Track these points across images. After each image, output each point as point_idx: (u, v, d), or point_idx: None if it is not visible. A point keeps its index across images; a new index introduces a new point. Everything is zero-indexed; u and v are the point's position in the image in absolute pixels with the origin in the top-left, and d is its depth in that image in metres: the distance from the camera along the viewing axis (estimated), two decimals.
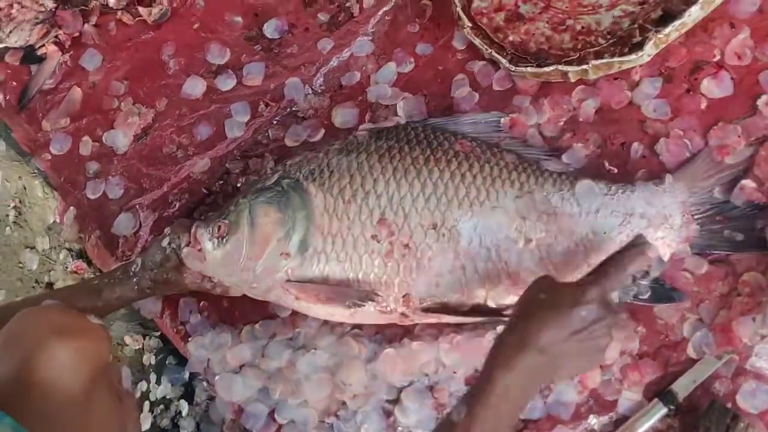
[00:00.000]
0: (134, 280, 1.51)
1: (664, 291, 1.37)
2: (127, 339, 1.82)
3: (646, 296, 1.36)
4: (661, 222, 1.38)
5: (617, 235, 1.38)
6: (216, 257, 1.44)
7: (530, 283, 1.26)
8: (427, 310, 1.41)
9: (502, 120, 1.54)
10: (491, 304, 1.41)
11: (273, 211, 1.43)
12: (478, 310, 1.41)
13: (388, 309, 1.41)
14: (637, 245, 1.25)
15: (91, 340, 1.27)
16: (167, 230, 1.52)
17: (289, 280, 1.43)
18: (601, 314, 1.17)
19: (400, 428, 1.43)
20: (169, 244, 1.50)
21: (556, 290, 1.21)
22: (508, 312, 1.39)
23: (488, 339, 1.41)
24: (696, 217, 1.39)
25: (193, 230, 1.46)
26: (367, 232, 1.40)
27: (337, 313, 1.43)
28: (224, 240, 1.43)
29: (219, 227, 1.43)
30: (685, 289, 1.38)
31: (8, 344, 1.20)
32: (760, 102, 1.45)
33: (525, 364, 1.13)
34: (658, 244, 1.37)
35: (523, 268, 1.38)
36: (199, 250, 1.44)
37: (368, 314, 1.42)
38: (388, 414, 1.44)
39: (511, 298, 1.40)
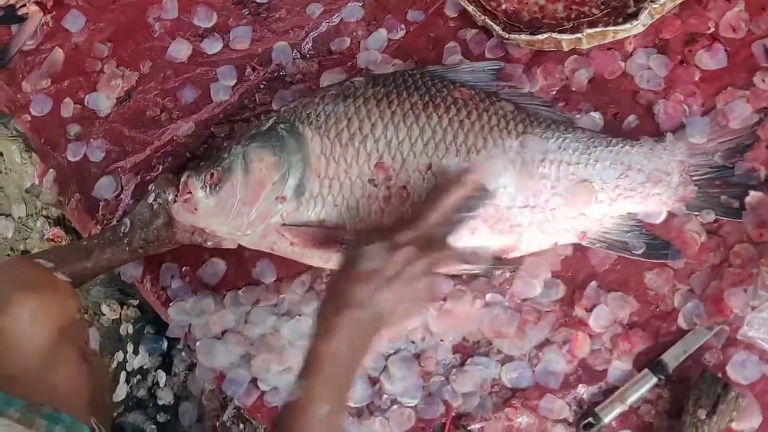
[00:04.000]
0: (125, 241, 1.47)
1: (658, 247, 1.37)
2: (105, 308, 1.79)
3: (639, 252, 1.36)
4: (658, 179, 1.37)
5: (614, 188, 1.37)
6: (208, 205, 1.41)
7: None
8: None
9: None
10: (476, 247, 1.39)
11: (268, 155, 1.40)
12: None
13: None
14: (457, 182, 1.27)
15: (56, 296, 1.26)
16: (152, 186, 1.49)
17: (284, 224, 1.40)
18: (416, 254, 1.17)
19: (385, 396, 1.41)
20: (156, 199, 1.46)
21: (369, 241, 1.19)
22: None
23: (477, 306, 1.41)
24: (694, 178, 1.38)
25: (183, 179, 1.43)
26: (364, 176, 1.38)
27: (334, 259, 1.40)
28: (217, 187, 1.40)
29: (212, 174, 1.40)
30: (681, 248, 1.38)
31: None
32: (756, 78, 1.44)
33: (345, 324, 1.14)
34: (655, 201, 1.37)
35: (518, 216, 1.37)
36: (186, 200, 1.41)
37: None
38: (374, 381, 1.42)
39: (503, 244, 1.39)
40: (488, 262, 1.38)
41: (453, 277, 1.43)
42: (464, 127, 1.39)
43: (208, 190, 1.40)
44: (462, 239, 1.36)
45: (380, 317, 1.16)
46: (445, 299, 1.42)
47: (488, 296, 1.41)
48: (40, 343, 1.20)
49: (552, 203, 1.38)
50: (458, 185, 1.27)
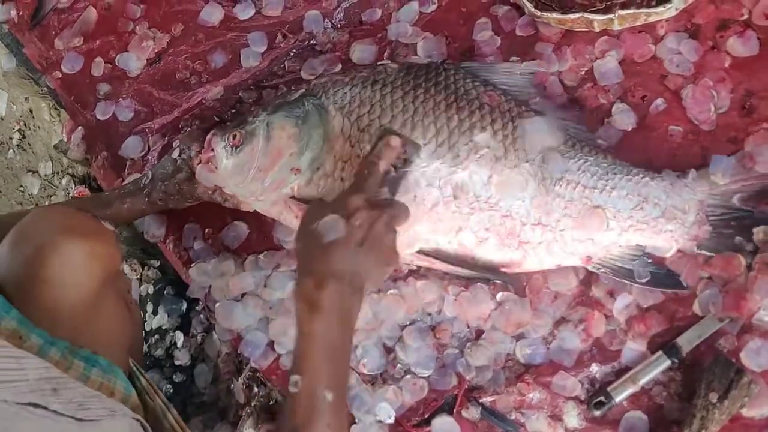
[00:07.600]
0: (144, 192, 1.50)
1: (663, 277, 1.35)
2: (126, 268, 1.81)
3: (644, 281, 1.34)
4: (673, 215, 1.35)
5: (626, 219, 1.35)
6: (227, 166, 1.43)
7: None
8: (420, 251, 1.39)
9: None
10: (481, 257, 1.39)
11: (290, 126, 1.42)
12: (467, 262, 1.40)
13: None
14: (382, 138, 1.29)
15: (103, 244, 1.27)
16: (176, 142, 1.51)
17: (293, 197, 1.41)
18: (373, 215, 1.18)
19: (399, 365, 1.42)
20: (180, 155, 1.49)
21: (324, 213, 1.19)
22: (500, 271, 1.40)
23: (491, 306, 1.41)
24: (711, 218, 1.35)
25: (209, 137, 1.45)
26: None
27: None
28: (237, 149, 1.42)
29: (234, 136, 1.42)
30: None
31: (19, 241, 1.20)
32: None
33: (328, 298, 1.13)
34: (666, 237, 1.35)
35: (528, 233, 1.37)
36: (209, 158, 1.44)
37: None
38: (389, 350, 1.43)
39: (500, 256, 1.39)
40: None
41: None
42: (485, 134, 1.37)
43: (229, 150, 1.42)
44: (469, 248, 1.38)
45: (360, 283, 1.17)
46: (467, 287, 1.42)
47: (499, 295, 1.41)
48: (86, 288, 1.21)
49: (562, 224, 1.37)
50: (387, 147, 1.27)
